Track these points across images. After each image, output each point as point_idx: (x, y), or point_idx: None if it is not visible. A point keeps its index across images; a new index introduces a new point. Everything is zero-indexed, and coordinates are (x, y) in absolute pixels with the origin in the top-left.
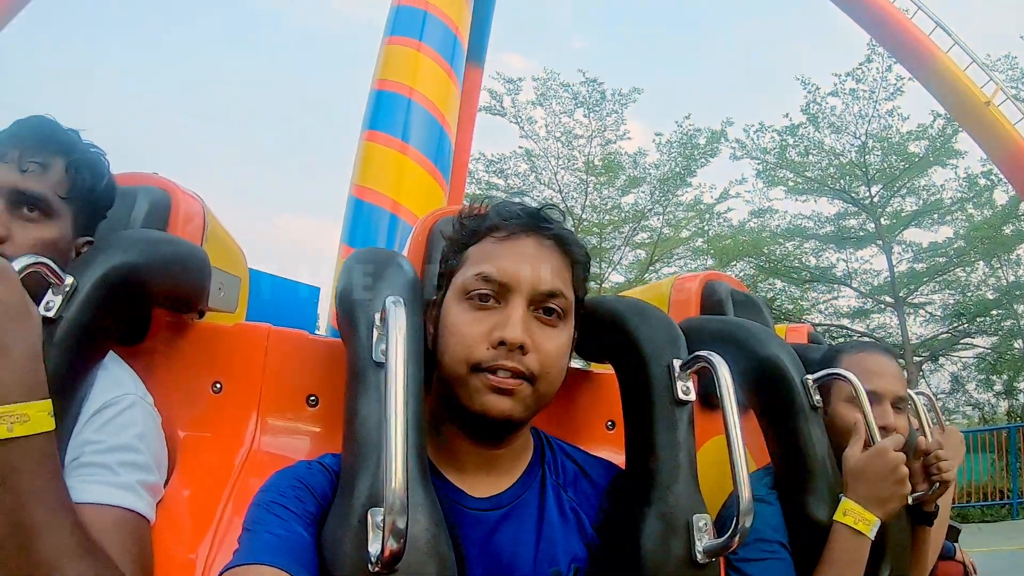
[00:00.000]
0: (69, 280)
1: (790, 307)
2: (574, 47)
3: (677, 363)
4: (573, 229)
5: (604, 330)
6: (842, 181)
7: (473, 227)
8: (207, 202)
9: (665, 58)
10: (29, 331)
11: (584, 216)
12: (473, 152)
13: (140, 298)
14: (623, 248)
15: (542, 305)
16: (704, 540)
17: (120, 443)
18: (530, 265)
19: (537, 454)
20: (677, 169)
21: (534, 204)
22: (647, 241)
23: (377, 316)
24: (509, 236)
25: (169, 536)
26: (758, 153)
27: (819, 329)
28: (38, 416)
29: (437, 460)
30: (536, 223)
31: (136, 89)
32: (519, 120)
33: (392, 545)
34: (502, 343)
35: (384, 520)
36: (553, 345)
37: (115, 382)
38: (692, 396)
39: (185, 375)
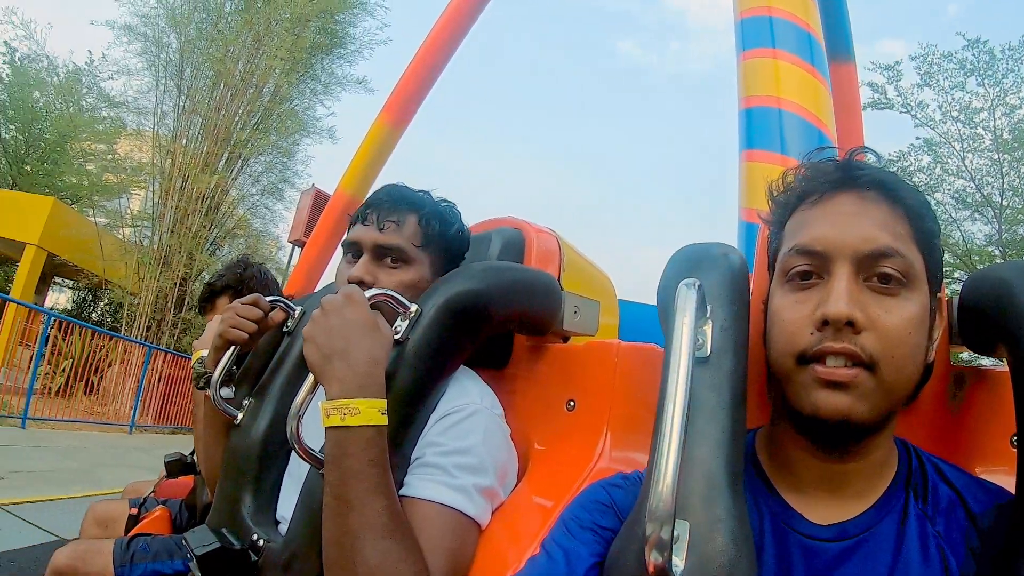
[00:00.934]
0: (413, 308)
1: None
2: (949, 14)
3: None
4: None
5: (992, 309)
6: None
7: (783, 201)
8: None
9: None
10: (372, 343)
11: (1006, 203)
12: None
13: (482, 321)
14: None
15: (875, 271)
16: None
17: (459, 447)
18: (850, 224)
19: (902, 473)
20: None
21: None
22: None
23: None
24: (822, 198)
25: (504, 539)
26: None
27: None
28: (368, 411)
29: (772, 473)
30: (850, 174)
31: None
32: (908, 108)
33: (655, 559)
34: (826, 322)
35: (654, 530)
36: (896, 318)
37: (462, 392)
38: None
39: (543, 395)
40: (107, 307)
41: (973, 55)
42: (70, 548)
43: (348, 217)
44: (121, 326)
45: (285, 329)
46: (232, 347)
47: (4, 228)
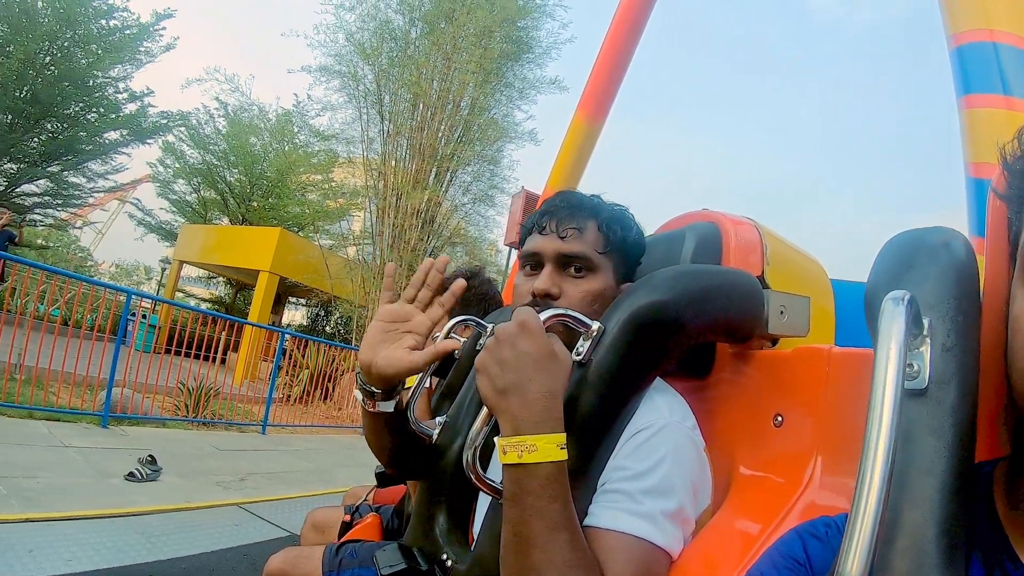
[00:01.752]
0: (595, 326)
1: None
2: None
3: None
4: None
5: None
6: None
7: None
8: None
9: None
10: (548, 375)
11: None
12: None
13: (672, 334)
14: None
15: None
16: None
17: (645, 469)
18: None
19: None
20: None
21: None
22: None
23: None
24: None
25: (699, 569)
26: None
27: None
28: (546, 447)
29: (1011, 527)
30: None
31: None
32: None
33: None
34: None
35: None
36: None
37: (651, 409)
38: None
39: (748, 407)
40: (339, 320)
41: None
42: (283, 553)
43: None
44: (352, 337)
45: (578, 358)
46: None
47: (240, 259)
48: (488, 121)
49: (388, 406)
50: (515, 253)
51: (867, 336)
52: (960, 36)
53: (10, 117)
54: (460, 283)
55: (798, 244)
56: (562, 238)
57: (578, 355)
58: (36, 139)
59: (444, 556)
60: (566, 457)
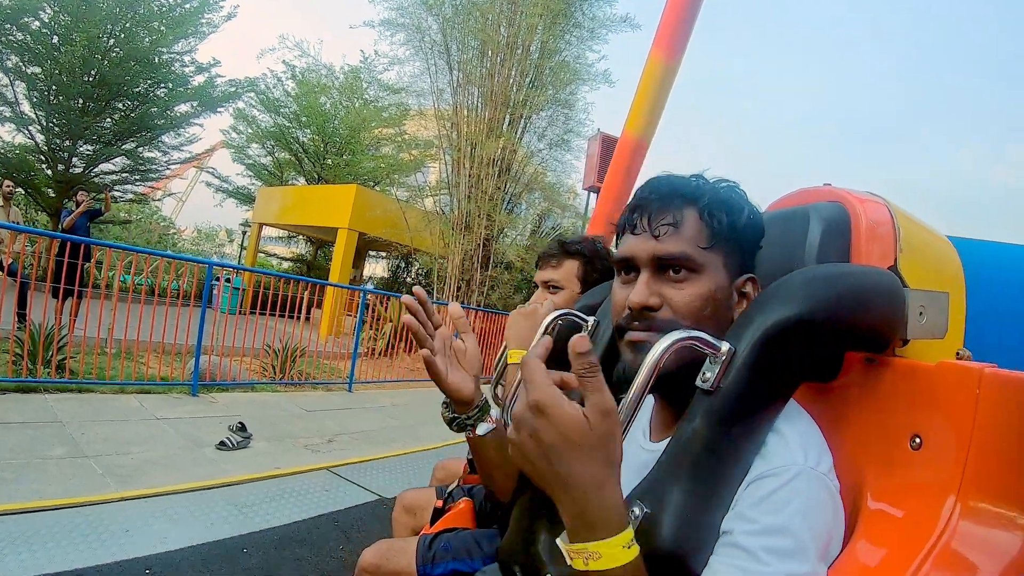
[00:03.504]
0: (725, 347)
1: None
2: None
3: None
4: None
5: None
6: None
7: None
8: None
9: None
10: (586, 461)
11: None
12: None
13: (810, 353)
14: None
15: None
16: None
17: (772, 525)
18: None
19: None
20: None
21: None
22: None
23: None
24: None
25: None
26: None
27: None
28: (611, 553)
29: None
30: None
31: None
32: None
33: None
34: None
35: None
36: None
37: (783, 447)
38: None
39: (880, 423)
40: (419, 271)
41: None
42: (376, 547)
43: (637, 159)
44: (432, 289)
45: (705, 385)
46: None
47: (318, 217)
48: (559, 64)
49: (484, 428)
50: (594, 197)
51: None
52: None
53: (81, 101)
54: (455, 307)
55: (924, 219)
56: (656, 237)
57: (705, 382)
58: (109, 119)
59: (548, 575)
60: (637, 553)
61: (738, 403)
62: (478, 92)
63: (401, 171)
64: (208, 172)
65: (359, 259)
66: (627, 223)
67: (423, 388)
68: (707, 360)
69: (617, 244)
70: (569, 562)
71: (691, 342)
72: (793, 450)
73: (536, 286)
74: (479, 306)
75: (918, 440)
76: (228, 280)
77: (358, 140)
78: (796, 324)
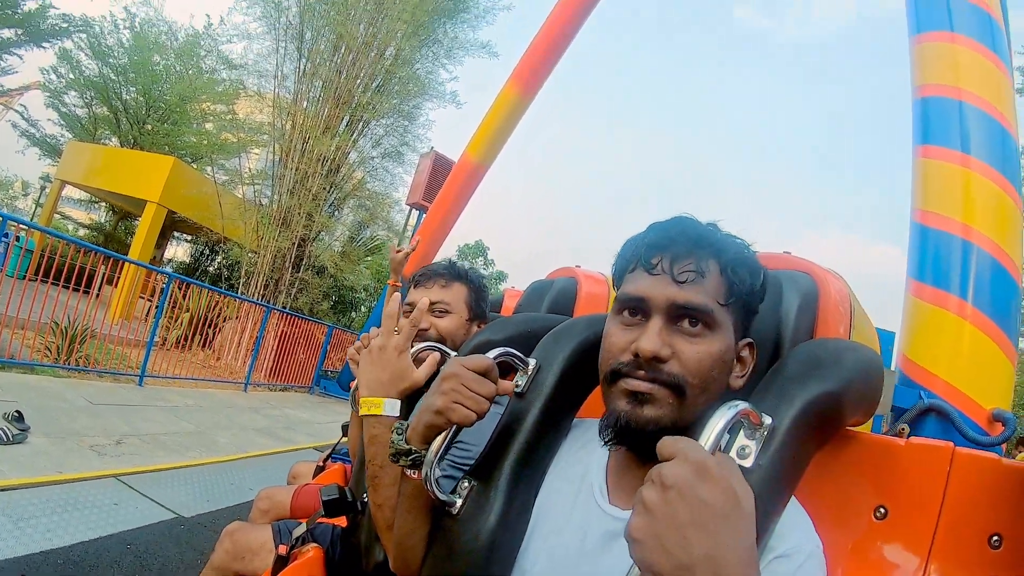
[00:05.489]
0: (768, 421)
1: None
2: None
3: None
4: None
5: None
6: None
7: None
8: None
9: None
10: (743, 534)
11: None
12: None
13: (835, 429)
14: None
15: None
16: None
17: None
18: None
19: None
20: None
21: None
22: None
23: None
24: None
25: None
26: None
27: None
28: None
29: None
30: None
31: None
32: None
33: None
34: None
35: None
36: None
37: (793, 527)
38: None
39: (844, 497)
40: (223, 262)
41: None
42: None
43: (469, 180)
44: (238, 284)
45: (517, 390)
46: (453, 427)
47: (126, 186)
48: (410, 75)
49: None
50: (415, 214)
51: None
52: (925, 88)
53: None
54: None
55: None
56: (679, 283)
57: (743, 458)
58: None
59: None
60: None
61: (775, 480)
62: (322, 86)
63: (224, 152)
64: (16, 111)
65: (163, 239)
66: (641, 260)
67: (218, 389)
68: (740, 432)
69: (618, 281)
70: None
71: (746, 413)
72: (803, 529)
73: (408, 308)
74: (285, 308)
75: (883, 511)
76: (18, 239)
77: (184, 110)
78: (832, 399)
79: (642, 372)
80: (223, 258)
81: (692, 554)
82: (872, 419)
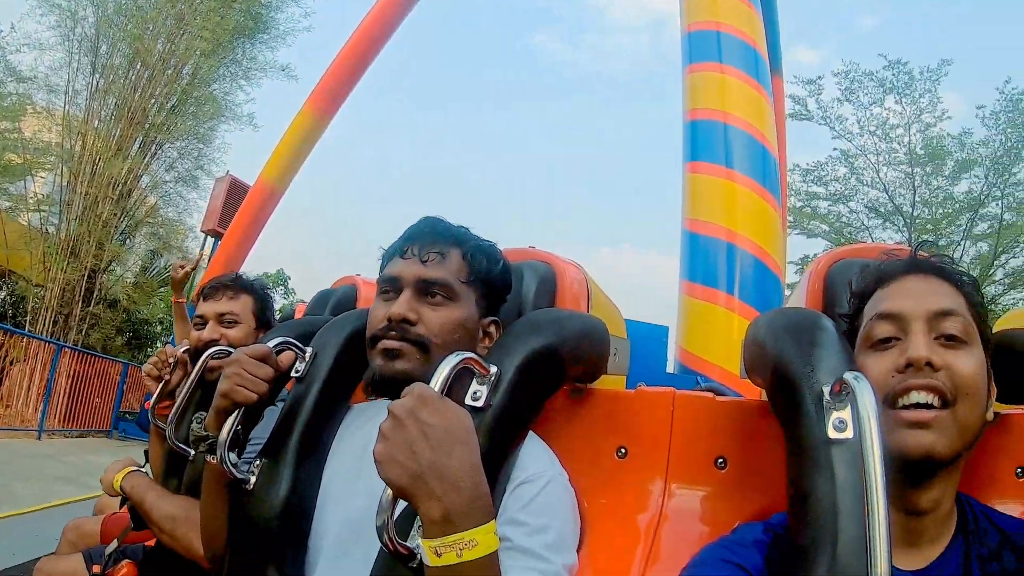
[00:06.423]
0: (493, 369)
1: None
2: (864, 26)
3: None
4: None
5: (1017, 365)
6: None
7: (861, 289)
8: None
9: (970, 17)
10: (466, 447)
11: (916, 214)
12: (788, 163)
13: (560, 378)
14: (963, 243)
15: (942, 331)
16: None
17: (542, 524)
18: (920, 293)
19: (961, 519)
20: (1010, 143)
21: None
22: (989, 232)
23: (827, 390)
24: (893, 279)
25: None
26: None
27: None
28: (484, 539)
29: None
30: (915, 262)
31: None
32: (828, 120)
33: None
34: (909, 365)
35: None
36: (963, 364)
37: (534, 458)
38: None
39: (588, 441)
40: (8, 299)
41: (893, 75)
42: None
43: (264, 202)
44: (25, 321)
45: (295, 374)
46: (239, 408)
47: None
48: (207, 95)
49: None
50: (211, 241)
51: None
52: (696, 112)
53: None
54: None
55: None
56: (424, 263)
57: (476, 400)
58: None
59: None
60: (498, 543)
61: (507, 418)
62: (115, 103)
63: (7, 175)
64: None
65: None
66: (397, 250)
67: (9, 438)
68: (473, 380)
69: (382, 268)
70: (434, 560)
71: (470, 362)
72: (542, 460)
73: (202, 322)
74: (76, 345)
75: (624, 450)
76: None
77: None
78: (549, 351)
79: (394, 333)
80: (7, 293)
81: (420, 464)
82: None
